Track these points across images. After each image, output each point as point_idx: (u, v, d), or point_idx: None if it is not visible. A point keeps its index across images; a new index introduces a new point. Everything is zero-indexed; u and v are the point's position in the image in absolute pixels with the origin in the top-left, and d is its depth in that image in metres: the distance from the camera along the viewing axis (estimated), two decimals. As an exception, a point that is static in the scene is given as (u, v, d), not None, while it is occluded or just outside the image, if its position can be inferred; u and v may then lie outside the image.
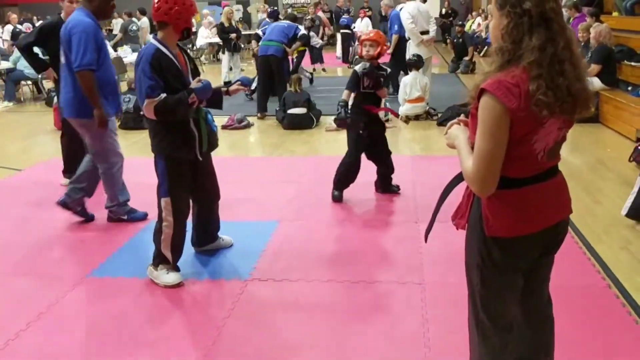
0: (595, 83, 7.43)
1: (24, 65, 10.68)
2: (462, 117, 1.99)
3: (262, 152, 6.94)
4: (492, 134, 1.70)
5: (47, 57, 5.60)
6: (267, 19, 10.59)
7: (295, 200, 4.82)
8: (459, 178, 1.95)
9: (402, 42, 9.11)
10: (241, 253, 3.89)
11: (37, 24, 17.75)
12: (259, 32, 9.26)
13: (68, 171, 5.32)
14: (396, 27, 9.21)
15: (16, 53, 10.84)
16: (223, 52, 12.01)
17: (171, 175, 3.34)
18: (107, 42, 4.19)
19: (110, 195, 4.44)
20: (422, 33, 8.41)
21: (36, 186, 5.55)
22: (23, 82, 11.40)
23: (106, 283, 3.54)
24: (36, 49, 5.45)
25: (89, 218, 4.53)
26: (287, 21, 9.08)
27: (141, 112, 3.93)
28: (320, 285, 3.43)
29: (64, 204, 4.39)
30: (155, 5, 3.20)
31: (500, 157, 1.73)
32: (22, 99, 11.38)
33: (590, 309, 3.05)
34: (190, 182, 3.48)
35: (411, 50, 8.48)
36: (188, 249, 4.06)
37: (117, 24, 16.62)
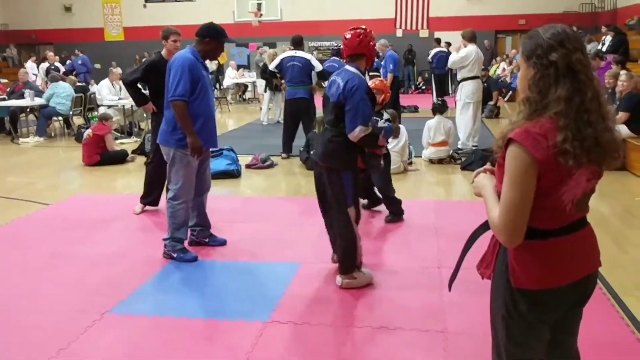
0: (623, 131, 7.36)
1: (56, 102, 11.02)
2: (488, 165, 1.99)
3: (285, 192, 6.97)
4: (519, 183, 1.70)
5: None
6: (333, 58, 10.71)
7: (317, 242, 4.79)
8: (484, 227, 1.94)
9: (394, 81, 10.60)
10: (262, 294, 3.87)
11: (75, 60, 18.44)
12: (273, 69, 9.14)
13: (145, 197, 5.83)
14: (391, 66, 10.73)
15: (49, 90, 11.20)
16: (265, 91, 12.52)
17: (355, 186, 3.85)
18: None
19: (168, 226, 4.50)
20: (475, 77, 8.60)
21: (63, 221, 5.64)
22: (54, 118, 11.73)
23: (127, 321, 3.54)
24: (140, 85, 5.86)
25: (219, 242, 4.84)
26: (300, 55, 8.74)
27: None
28: (341, 330, 3.39)
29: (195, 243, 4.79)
30: (358, 39, 3.77)
31: (527, 207, 1.71)
32: (52, 134, 11.68)
33: (619, 365, 2.95)
34: None
35: (464, 90, 8.58)
36: (208, 286, 4.07)
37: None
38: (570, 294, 1.84)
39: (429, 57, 15.22)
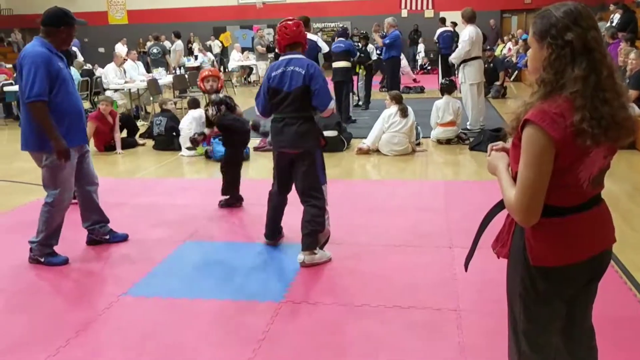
0: (634, 109, 7.32)
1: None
2: (501, 144, 1.98)
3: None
4: (537, 164, 1.69)
5: None
6: (340, 39, 10.40)
7: (329, 222, 4.81)
8: (500, 206, 1.94)
9: (394, 62, 11.25)
10: (275, 275, 3.91)
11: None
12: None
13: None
14: (387, 41, 11.25)
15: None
16: None
17: (324, 164, 4.17)
18: (72, 69, 4.05)
19: (39, 230, 4.14)
20: (475, 58, 8.57)
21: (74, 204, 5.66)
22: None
23: (141, 303, 3.58)
24: None
25: (121, 238, 4.62)
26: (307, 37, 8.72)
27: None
28: (354, 309, 3.42)
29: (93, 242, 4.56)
30: (299, 29, 4.09)
31: (544, 187, 1.72)
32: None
33: (632, 340, 2.98)
34: None
35: (466, 72, 8.58)
36: (220, 268, 4.11)
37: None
38: (587, 269, 1.85)
39: (435, 37, 15.11)
